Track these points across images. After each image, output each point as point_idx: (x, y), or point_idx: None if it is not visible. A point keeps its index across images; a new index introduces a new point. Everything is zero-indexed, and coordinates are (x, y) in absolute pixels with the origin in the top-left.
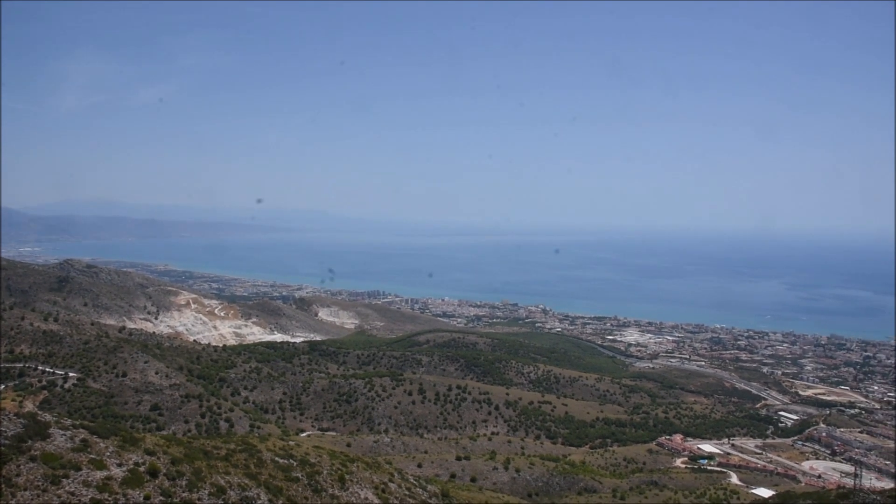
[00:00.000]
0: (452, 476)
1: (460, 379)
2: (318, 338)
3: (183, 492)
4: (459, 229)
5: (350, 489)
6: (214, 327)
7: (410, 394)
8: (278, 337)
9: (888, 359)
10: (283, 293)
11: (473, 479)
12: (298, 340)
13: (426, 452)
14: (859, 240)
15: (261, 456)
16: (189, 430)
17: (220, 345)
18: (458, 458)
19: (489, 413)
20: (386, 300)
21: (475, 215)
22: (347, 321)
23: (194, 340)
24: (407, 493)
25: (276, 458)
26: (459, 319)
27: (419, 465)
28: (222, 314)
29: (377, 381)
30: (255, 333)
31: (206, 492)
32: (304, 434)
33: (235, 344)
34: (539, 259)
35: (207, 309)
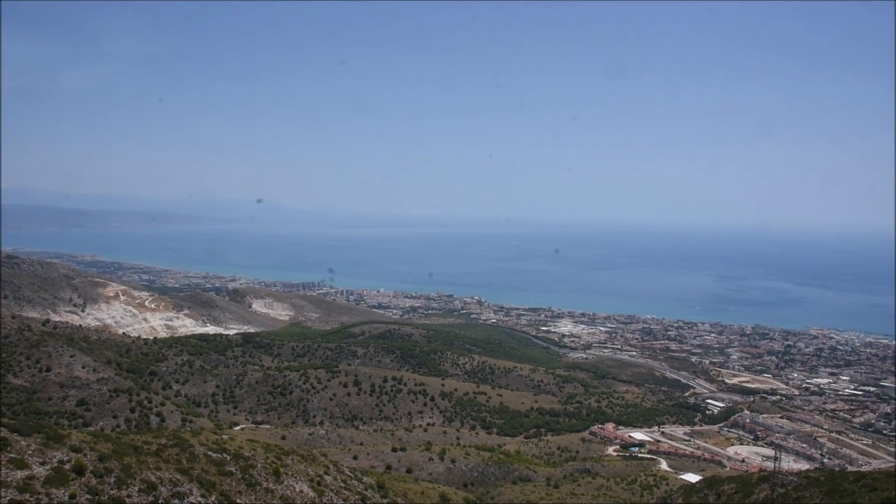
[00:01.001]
0: (388, 467)
1: (396, 370)
2: (252, 330)
3: (111, 489)
4: (406, 221)
5: (285, 482)
6: (145, 319)
7: (346, 385)
8: (211, 329)
9: (807, 347)
10: (217, 284)
11: (409, 471)
12: (232, 332)
13: (362, 444)
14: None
15: (193, 450)
16: (118, 425)
17: (151, 337)
18: (394, 450)
19: (425, 404)
20: (321, 291)
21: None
22: (282, 313)
23: (123, 333)
24: (342, 485)
25: (209, 453)
26: (395, 311)
27: (355, 457)
28: (153, 306)
29: (312, 373)
30: (188, 325)
31: (136, 488)
32: (237, 427)
33: (167, 336)
34: (474, 251)
35: (137, 301)
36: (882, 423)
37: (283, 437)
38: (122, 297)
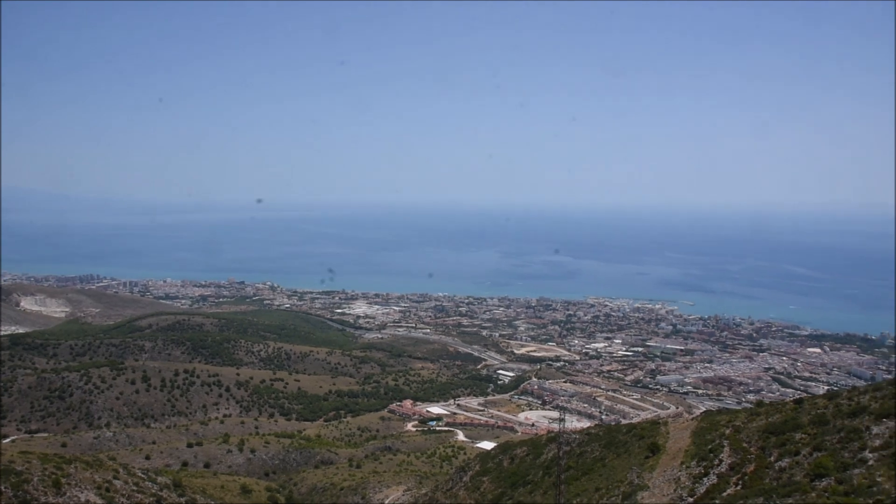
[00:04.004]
0: (185, 464)
1: (188, 363)
2: (22, 330)
3: None
4: (204, 207)
5: (68, 493)
6: None
7: (133, 382)
8: None
9: (585, 315)
10: None
11: (207, 465)
12: None
13: (154, 443)
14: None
15: None
16: None
17: None
18: (190, 445)
19: (220, 395)
20: (101, 284)
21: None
22: (57, 310)
23: None
24: (135, 488)
25: None
26: (184, 301)
27: (147, 457)
28: None
29: (95, 371)
30: None
31: None
32: (8, 440)
33: None
34: (262, 236)
35: None
36: (648, 379)
37: (64, 445)
38: None
